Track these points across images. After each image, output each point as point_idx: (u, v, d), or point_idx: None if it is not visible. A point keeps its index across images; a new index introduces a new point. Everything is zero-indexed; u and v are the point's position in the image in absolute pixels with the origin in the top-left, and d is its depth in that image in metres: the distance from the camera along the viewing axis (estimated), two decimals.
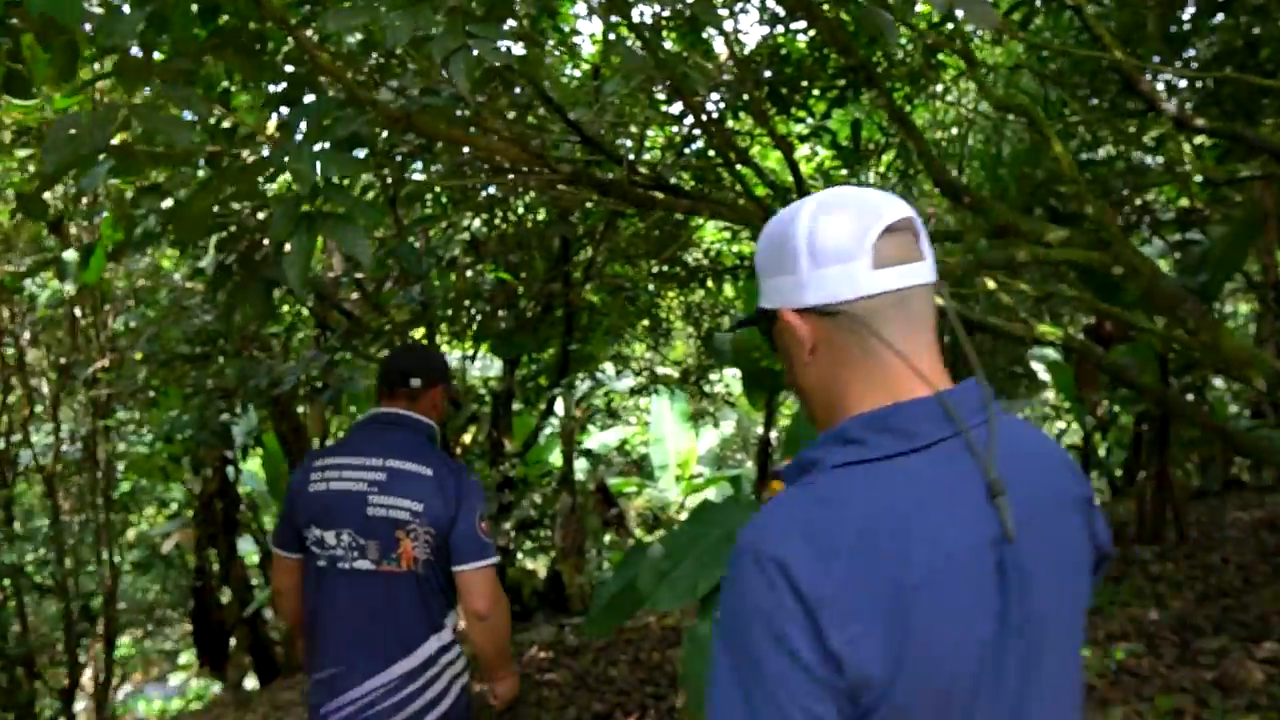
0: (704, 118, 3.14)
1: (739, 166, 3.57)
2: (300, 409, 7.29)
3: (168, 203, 2.02)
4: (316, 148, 1.68)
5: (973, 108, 5.95)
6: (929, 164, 3.20)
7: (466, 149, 3.21)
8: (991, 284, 3.47)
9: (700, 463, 13.55)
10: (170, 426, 4.68)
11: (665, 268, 8.24)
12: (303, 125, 1.83)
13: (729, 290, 8.22)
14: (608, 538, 12.14)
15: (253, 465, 8.29)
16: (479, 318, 7.25)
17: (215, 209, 2.11)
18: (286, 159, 1.69)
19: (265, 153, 1.92)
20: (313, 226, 1.63)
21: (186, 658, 10.95)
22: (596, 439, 11.86)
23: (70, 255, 2.56)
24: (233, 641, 7.14)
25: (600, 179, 3.00)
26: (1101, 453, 9.15)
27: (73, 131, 1.56)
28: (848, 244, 0.95)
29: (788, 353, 1.05)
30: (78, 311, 6.18)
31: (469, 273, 5.72)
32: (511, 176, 3.18)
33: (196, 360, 4.45)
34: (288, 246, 1.65)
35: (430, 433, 2.40)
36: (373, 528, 2.23)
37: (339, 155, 1.73)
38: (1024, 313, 4.53)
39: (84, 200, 5.01)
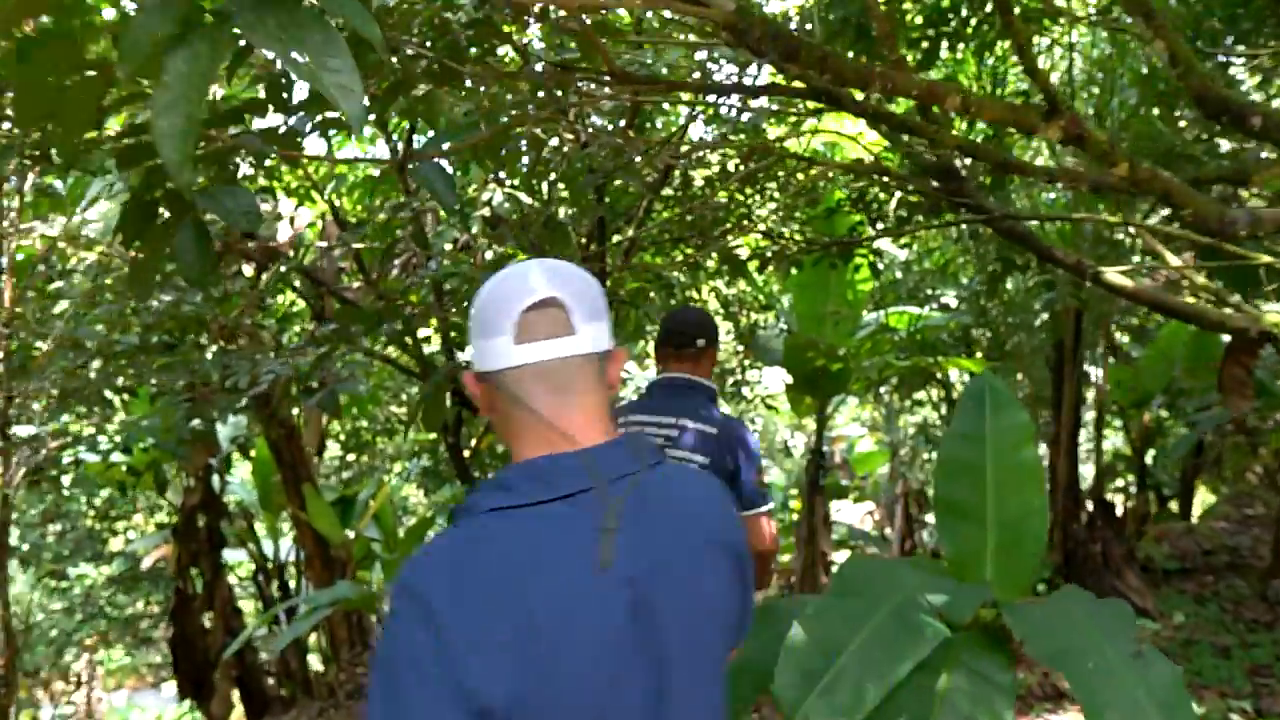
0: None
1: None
2: (296, 410, 6.49)
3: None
4: None
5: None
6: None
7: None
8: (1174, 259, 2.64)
9: None
10: (126, 435, 3.87)
11: (701, 256, 7.44)
12: None
13: (774, 282, 7.41)
14: None
15: (244, 471, 7.48)
16: None
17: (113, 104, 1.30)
18: None
19: None
20: (215, 34, 0.79)
21: None
22: None
23: None
24: (217, 673, 6.32)
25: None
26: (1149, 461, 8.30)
27: None
28: (495, 320, 1.07)
29: None
30: None
31: (489, 254, 4.90)
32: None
33: (150, 351, 3.62)
34: (166, 90, 0.80)
35: (711, 394, 2.71)
36: None
37: None
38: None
39: None
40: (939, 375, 9.13)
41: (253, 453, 6.93)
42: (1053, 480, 5.18)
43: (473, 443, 6.52)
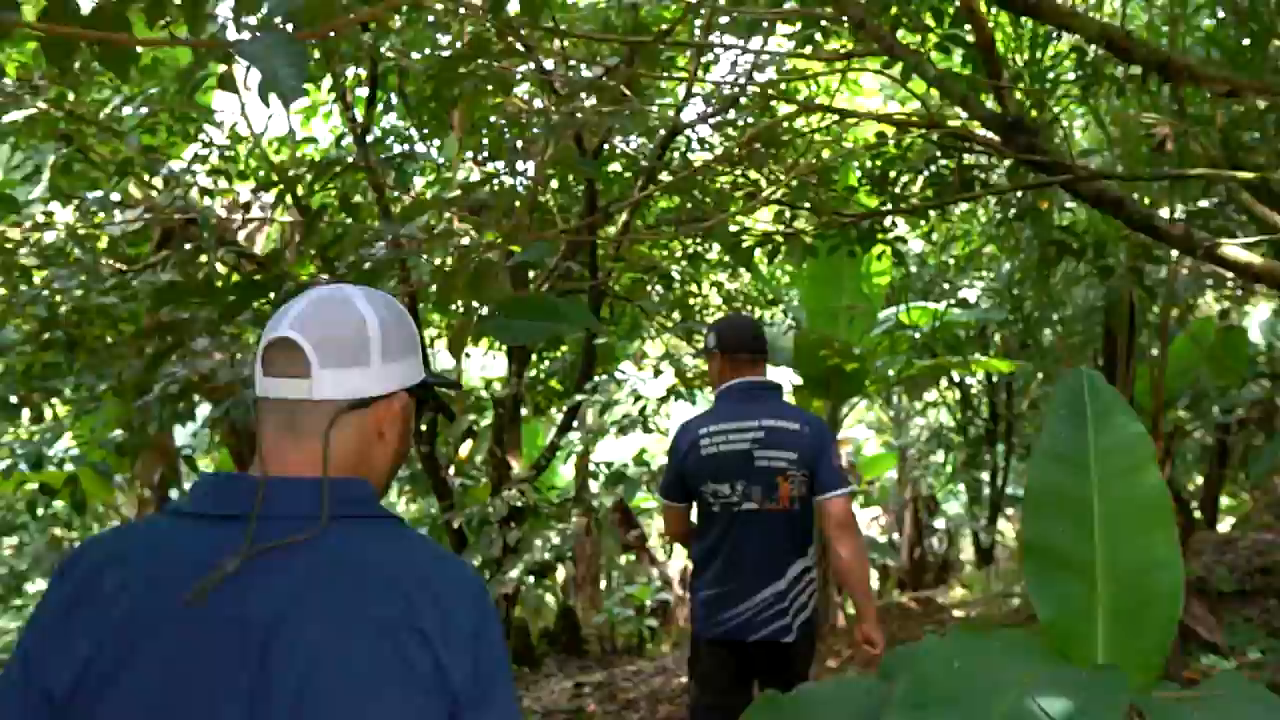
0: None
1: None
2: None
3: None
4: None
5: None
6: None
7: None
8: None
9: None
10: (25, 452, 3.31)
11: (703, 247, 6.87)
12: None
13: (782, 274, 6.86)
14: (623, 559, 10.76)
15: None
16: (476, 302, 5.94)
17: None
18: None
19: None
20: None
21: None
22: (607, 449, 10.50)
23: None
24: None
25: None
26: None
27: None
28: (259, 350, 1.09)
29: None
30: None
31: (465, 239, 4.35)
32: None
33: (54, 348, 3.06)
34: None
35: (781, 391, 2.99)
36: (758, 476, 2.78)
37: None
38: None
39: None
40: (955, 375, 8.59)
41: (214, 460, 6.38)
42: None
43: (462, 451, 5.97)
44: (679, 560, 11.33)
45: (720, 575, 2.80)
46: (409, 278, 4.41)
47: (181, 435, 6.58)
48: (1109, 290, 4.03)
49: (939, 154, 4.24)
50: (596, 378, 5.57)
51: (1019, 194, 3.74)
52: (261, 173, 5.18)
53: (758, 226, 5.04)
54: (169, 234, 4.59)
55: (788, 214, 4.68)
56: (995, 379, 8.88)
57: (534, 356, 6.84)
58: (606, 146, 5.42)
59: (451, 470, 5.71)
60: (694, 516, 2.97)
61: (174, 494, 6.09)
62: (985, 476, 9.58)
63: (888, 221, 4.60)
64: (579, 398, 4.91)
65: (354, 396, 1.05)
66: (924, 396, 10.35)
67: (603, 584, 9.10)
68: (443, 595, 1.00)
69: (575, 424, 5.67)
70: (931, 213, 4.33)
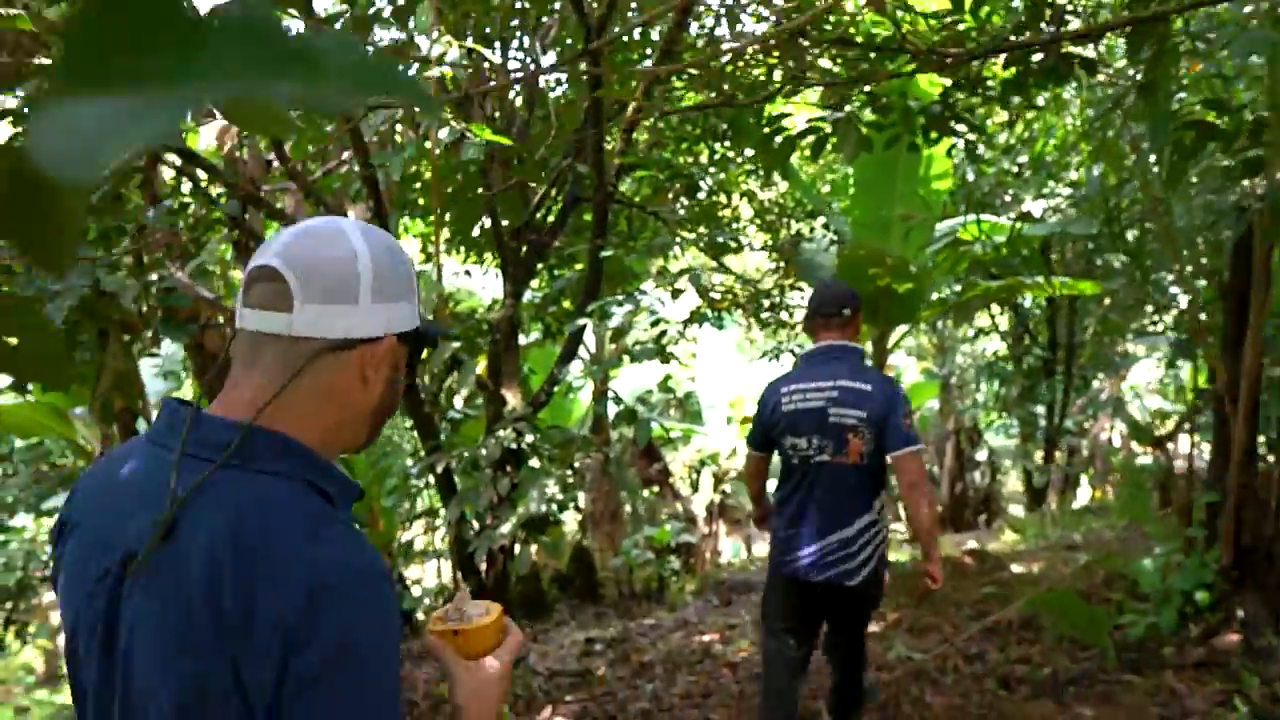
0: None
1: None
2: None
3: None
4: None
5: None
6: None
7: None
8: None
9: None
10: None
11: (734, 151, 6.01)
12: None
13: (824, 183, 6.02)
14: (646, 492, 10.12)
15: None
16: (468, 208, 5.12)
17: None
18: None
19: None
20: None
21: None
22: (630, 376, 9.72)
23: None
24: None
25: None
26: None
27: None
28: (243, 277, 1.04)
29: None
30: None
31: (444, 132, 3.57)
32: None
33: None
34: None
35: (861, 354, 3.18)
36: (831, 432, 3.03)
37: None
38: None
39: None
40: (1015, 299, 7.73)
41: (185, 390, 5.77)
42: (1223, 449, 3.80)
43: (446, 385, 5.29)
44: (705, 493, 10.71)
45: (793, 518, 3.12)
46: (376, 183, 3.66)
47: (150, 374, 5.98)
48: (1242, 195, 3.18)
49: (1024, 20, 3.38)
50: (616, 299, 4.83)
51: (1141, 63, 2.89)
52: None
53: (797, 122, 4.20)
54: None
55: (833, 102, 3.84)
56: (1056, 304, 8.01)
57: (542, 272, 6.09)
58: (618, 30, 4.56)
59: (453, 405, 5.05)
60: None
61: (142, 426, 5.51)
62: (1041, 410, 8.76)
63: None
64: (580, 322, 4.16)
65: (337, 336, 0.99)
66: (974, 322, 9.51)
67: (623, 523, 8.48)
68: (259, 578, 0.89)
69: (576, 350, 4.92)
70: (1015, 99, 3.46)
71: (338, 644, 0.86)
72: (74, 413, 5.59)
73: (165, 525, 0.90)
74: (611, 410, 6.32)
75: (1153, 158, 3.76)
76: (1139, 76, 3.32)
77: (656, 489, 9.30)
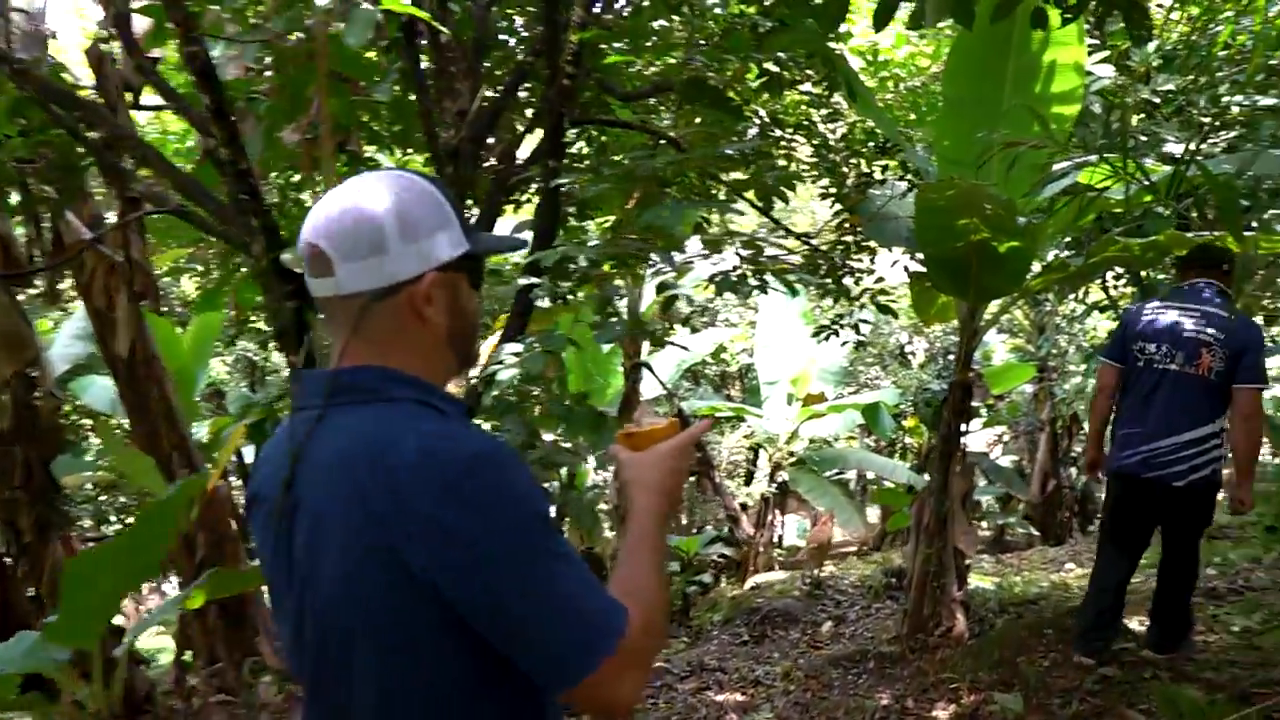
0: None
1: None
2: None
3: None
4: None
5: None
6: None
7: None
8: None
9: (823, 380, 9.95)
10: None
11: (787, 68, 4.66)
12: None
13: (908, 109, 4.64)
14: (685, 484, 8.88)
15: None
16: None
17: None
18: None
19: None
20: None
21: None
22: (677, 350, 8.43)
23: None
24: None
25: None
26: None
27: None
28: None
29: None
30: None
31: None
32: None
33: None
34: None
35: (1228, 295, 3.54)
36: (1184, 343, 3.40)
37: None
38: None
39: None
40: (1140, 270, 6.23)
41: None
42: None
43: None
44: (758, 484, 9.42)
45: (1133, 418, 3.46)
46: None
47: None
48: None
49: None
50: (655, 260, 3.65)
51: None
52: None
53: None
54: None
55: None
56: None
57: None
58: None
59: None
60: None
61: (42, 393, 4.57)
62: None
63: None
64: (529, 279, 2.95)
65: (379, 286, 1.08)
66: (1084, 296, 7.98)
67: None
68: (399, 477, 1.00)
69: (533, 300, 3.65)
70: None
71: (487, 529, 0.97)
72: None
73: (293, 456, 1.07)
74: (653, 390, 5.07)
75: None
76: None
77: (698, 481, 8.09)
